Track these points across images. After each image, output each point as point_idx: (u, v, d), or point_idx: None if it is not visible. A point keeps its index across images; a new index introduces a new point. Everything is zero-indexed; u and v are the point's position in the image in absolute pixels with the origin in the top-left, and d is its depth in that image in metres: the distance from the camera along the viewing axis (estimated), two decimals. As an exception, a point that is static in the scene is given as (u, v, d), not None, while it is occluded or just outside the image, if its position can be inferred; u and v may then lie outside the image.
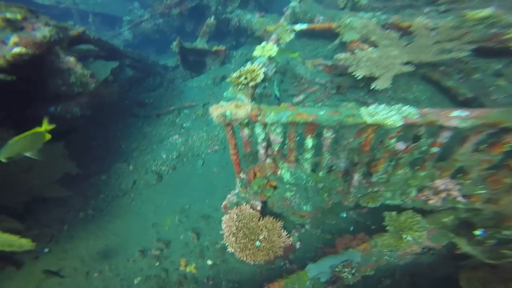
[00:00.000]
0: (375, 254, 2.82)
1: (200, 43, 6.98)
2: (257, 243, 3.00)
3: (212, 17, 7.07)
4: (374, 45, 3.91)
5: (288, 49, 3.87)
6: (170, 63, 7.81)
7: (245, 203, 3.24)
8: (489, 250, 2.34)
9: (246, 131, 2.62)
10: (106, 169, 4.81)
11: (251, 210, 3.15)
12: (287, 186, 3.01)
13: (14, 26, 3.21)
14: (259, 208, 3.25)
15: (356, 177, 2.74)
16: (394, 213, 2.81)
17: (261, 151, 2.80)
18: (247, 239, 3.00)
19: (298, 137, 2.64)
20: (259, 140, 2.68)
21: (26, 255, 3.70)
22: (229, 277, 3.34)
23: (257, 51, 3.20)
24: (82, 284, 3.53)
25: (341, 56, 3.69)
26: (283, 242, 3.06)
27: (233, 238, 3.01)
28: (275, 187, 3.10)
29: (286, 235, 3.10)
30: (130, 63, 6.59)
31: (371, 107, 2.16)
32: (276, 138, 2.59)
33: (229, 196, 3.43)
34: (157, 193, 4.47)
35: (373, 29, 3.87)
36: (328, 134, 2.43)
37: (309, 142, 2.56)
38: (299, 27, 4.49)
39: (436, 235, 2.72)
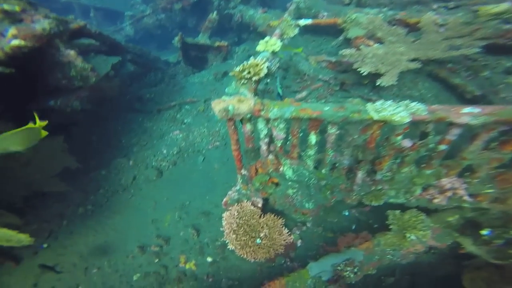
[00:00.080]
0: (377, 253, 2.78)
1: (202, 39, 6.92)
2: (258, 240, 2.96)
3: (215, 12, 7.00)
4: (379, 41, 3.84)
5: (291, 45, 3.81)
6: (171, 59, 7.74)
7: (246, 200, 3.20)
8: (496, 250, 2.29)
9: (248, 127, 2.57)
10: (106, 164, 4.77)
11: (252, 207, 3.11)
12: (289, 183, 2.96)
13: (13, 18, 3.16)
14: (260, 205, 3.21)
15: (360, 174, 2.68)
16: (397, 211, 2.76)
17: (263, 147, 2.75)
18: (248, 236, 2.96)
19: (301, 133, 2.59)
20: (262, 135, 2.63)
21: (25, 250, 3.68)
22: (229, 275, 3.31)
23: (261, 45, 3.14)
24: (81, 279, 3.50)
25: (346, 52, 3.62)
26: (284, 240, 3.02)
27: (234, 235, 2.97)
28: (277, 184, 3.06)
29: (287, 232, 3.06)
30: (131, 58, 6.52)
31: (378, 103, 2.10)
32: (279, 134, 2.54)
33: (230, 192, 3.39)
34: (157, 189, 4.43)
35: (380, 24, 3.80)
36: (332, 131, 2.38)
37: (313, 138, 2.50)
38: (303, 22, 4.41)
39: (441, 234, 2.67)
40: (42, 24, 3.26)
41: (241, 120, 2.50)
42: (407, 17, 4.03)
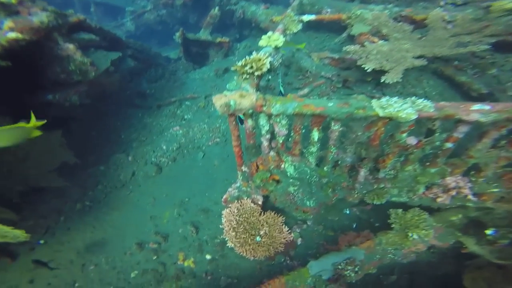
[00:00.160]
0: (379, 252, 2.74)
1: (204, 35, 6.85)
2: (258, 238, 2.92)
3: (216, 8, 6.93)
4: (384, 38, 3.79)
5: (293, 42, 3.76)
6: (172, 55, 7.68)
7: (246, 197, 3.16)
8: (499, 250, 2.25)
9: (249, 122, 2.52)
10: (105, 160, 4.73)
11: (252, 205, 3.07)
12: (291, 180, 2.92)
13: (9, 10, 3.08)
14: (260, 202, 3.16)
15: (362, 172, 2.64)
16: (400, 210, 2.72)
17: (265, 144, 2.70)
18: (248, 234, 2.92)
19: (304, 130, 2.55)
20: (263, 132, 2.58)
21: (22, 247, 3.64)
22: (228, 273, 3.27)
23: (263, 40, 3.08)
24: (78, 276, 3.46)
25: (350, 48, 3.57)
26: (284, 238, 2.98)
27: (233, 233, 2.93)
28: (278, 181, 3.01)
29: (288, 231, 3.01)
30: (132, 53, 6.45)
31: (383, 99, 2.05)
32: (281, 130, 2.49)
33: (230, 189, 3.34)
34: (156, 185, 4.38)
35: (385, 21, 3.74)
36: (336, 127, 2.33)
37: (316, 135, 2.46)
38: (307, 17, 4.35)
39: (443, 233, 2.64)
40: (39, 17, 3.19)
41: (243, 115, 2.45)
42: (413, 13, 3.98)
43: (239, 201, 3.10)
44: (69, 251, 3.70)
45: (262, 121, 2.49)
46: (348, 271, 2.63)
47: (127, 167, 4.61)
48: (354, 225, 3.37)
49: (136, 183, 4.46)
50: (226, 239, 2.98)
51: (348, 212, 3.48)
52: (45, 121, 2.69)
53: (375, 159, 2.53)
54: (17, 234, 2.86)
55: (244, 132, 2.67)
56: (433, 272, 2.99)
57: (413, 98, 2.01)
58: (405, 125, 2.07)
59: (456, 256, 2.83)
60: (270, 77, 5.26)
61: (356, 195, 2.87)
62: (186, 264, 3.39)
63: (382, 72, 3.36)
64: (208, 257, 3.42)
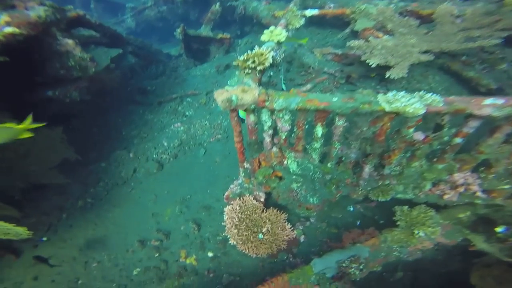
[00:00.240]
0: (384, 250, 2.70)
1: (205, 31, 6.78)
2: (260, 235, 2.89)
3: (217, 4, 6.85)
4: (389, 33, 3.71)
5: (295, 37, 3.69)
6: (173, 52, 7.63)
7: (248, 194, 3.12)
8: (510, 247, 2.20)
9: (252, 118, 2.47)
10: (106, 156, 4.70)
11: (254, 202, 3.04)
12: (294, 177, 2.87)
13: (3, 4, 3.02)
14: (262, 199, 3.13)
15: (367, 169, 2.59)
16: (405, 207, 2.67)
17: (267, 139, 2.66)
18: (250, 231, 2.89)
19: (307, 125, 2.49)
20: (266, 127, 2.54)
21: (25, 244, 3.64)
22: (230, 270, 3.24)
23: (265, 35, 3.02)
24: (81, 273, 3.45)
25: (354, 43, 3.49)
26: (287, 235, 2.95)
27: (235, 230, 2.90)
28: (280, 178, 2.97)
29: (290, 228, 2.99)
30: (132, 50, 6.41)
31: (390, 94, 2.00)
32: (284, 125, 2.44)
33: (232, 186, 3.31)
34: (157, 182, 4.36)
35: (391, 16, 3.66)
36: (340, 123, 2.28)
37: (319, 130, 2.41)
38: (309, 12, 4.27)
39: (451, 231, 2.58)
40: (37, 11, 3.13)
41: (245, 111, 2.41)
42: (419, 8, 3.89)
43: (241, 198, 3.07)
44: (72, 248, 3.69)
45: (265, 116, 2.44)
46: (353, 269, 2.59)
47: (128, 164, 4.59)
48: (358, 223, 3.33)
49: (138, 180, 4.43)
50: (228, 236, 2.95)
51: (352, 209, 3.43)
52: (44, 124, 2.65)
53: (380, 155, 2.48)
54: (19, 231, 2.85)
55: (246, 128, 2.62)
56: (436, 269, 2.95)
57: (421, 92, 1.95)
58: (413, 120, 2.01)
59: (462, 253, 2.78)
60: (272, 73, 5.20)
61: (360, 192, 2.83)
62: (188, 261, 3.37)
63: (387, 67, 3.29)
64: (210, 254, 3.39)
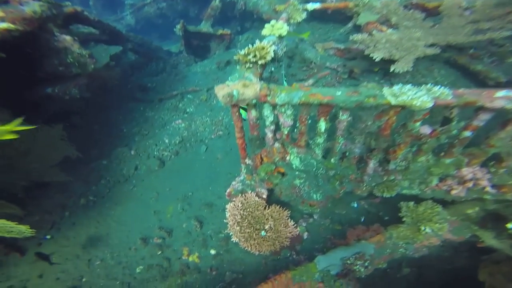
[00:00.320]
0: (389, 247, 2.65)
1: (205, 27, 6.71)
2: (263, 232, 2.85)
3: (217, 0, 6.76)
4: (393, 27, 3.62)
5: (297, 32, 3.61)
6: (173, 49, 7.57)
7: (250, 191, 3.08)
8: (520, 244, 2.15)
9: (253, 113, 2.42)
10: (107, 154, 4.68)
11: (256, 198, 2.99)
12: (296, 173, 2.82)
13: (-4, -2, 2.98)
14: (265, 196, 3.09)
15: (372, 164, 2.54)
16: (411, 203, 2.62)
17: (269, 135, 2.61)
18: (252, 228, 2.85)
19: (310, 120, 2.44)
20: (267, 123, 2.49)
21: (30, 242, 3.65)
22: (233, 268, 3.22)
23: (267, 29, 2.95)
24: (85, 271, 3.45)
25: (358, 37, 3.41)
26: (290, 232, 2.91)
27: (238, 227, 2.86)
28: (283, 174, 2.92)
29: (293, 225, 2.94)
30: (132, 47, 6.36)
31: (396, 87, 1.93)
32: (286, 120, 2.39)
33: (233, 183, 3.26)
34: (159, 179, 4.33)
35: (395, 9, 3.56)
36: (344, 117, 2.22)
37: (322, 125, 2.35)
38: (311, 6, 4.18)
39: (458, 227, 2.52)
40: (32, 6, 3.08)
41: (246, 106, 2.35)
42: (425, 1, 3.78)
43: (243, 195, 3.02)
44: (75, 246, 3.70)
45: (266, 111, 2.39)
46: (358, 266, 2.55)
47: (129, 161, 4.57)
48: (362, 219, 3.28)
49: (139, 177, 4.41)
50: (230, 233, 2.92)
51: (356, 205, 3.39)
52: (34, 126, 2.60)
53: (385, 150, 2.42)
54: (22, 229, 2.85)
55: (248, 124, 2.57)
56: (442, 265, 2.90)
57: (429, 85, 1.89)
58: (420, 113, 1.95)
59: (468, 250, 2.73)
60: (273, 68, 5.13)
61: (364, 188, 2.77)
62: (190, 259, 3.35)
63: (390, 62, 3.22)
64: (212, 252, 3.37)
